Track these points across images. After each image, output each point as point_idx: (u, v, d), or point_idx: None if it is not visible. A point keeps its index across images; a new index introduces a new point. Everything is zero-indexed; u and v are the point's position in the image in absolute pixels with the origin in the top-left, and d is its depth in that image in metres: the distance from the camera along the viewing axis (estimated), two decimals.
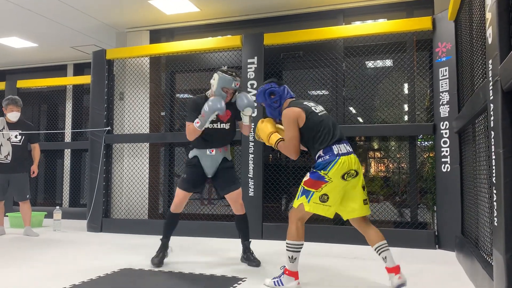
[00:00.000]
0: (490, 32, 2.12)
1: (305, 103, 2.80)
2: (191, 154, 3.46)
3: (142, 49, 5.66)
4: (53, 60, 7.79)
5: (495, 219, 2.09)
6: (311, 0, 5.17)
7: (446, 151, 4.20)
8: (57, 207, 5.54)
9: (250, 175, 4.84)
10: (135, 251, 4.03)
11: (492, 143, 2.13)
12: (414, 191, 4.73)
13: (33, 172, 5.17)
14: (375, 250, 2.63)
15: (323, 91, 5.30)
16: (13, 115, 5.02)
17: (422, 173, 4.89)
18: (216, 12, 5.55)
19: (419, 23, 4.43)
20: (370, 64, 5.27)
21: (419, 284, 2.89)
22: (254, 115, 4.83)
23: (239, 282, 2.89)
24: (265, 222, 4.80)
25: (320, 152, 2.65)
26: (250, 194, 4.78)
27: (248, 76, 4.96)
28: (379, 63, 5.18)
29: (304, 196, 2.62)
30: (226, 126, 3.41)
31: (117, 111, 5.86)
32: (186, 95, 5.97)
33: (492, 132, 2.12)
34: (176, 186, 3.61)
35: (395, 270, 2.55)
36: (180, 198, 3.42)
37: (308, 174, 2.67)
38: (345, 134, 2.83)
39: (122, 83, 5.96)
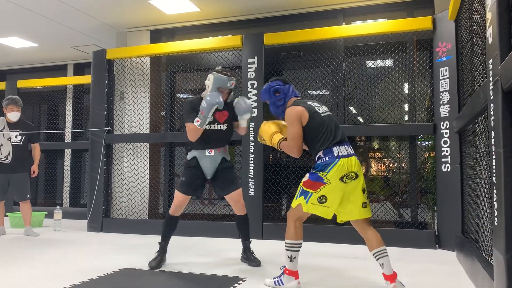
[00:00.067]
0: (490, 32, 2.12)
1: (309, 102, 2.79)
2: (190, 155, 3.44)
3: (143, 49, 5.66)
4: (54, 60, 7.79)
5: (496, 219, 2.09)
6: (311, 0, 5.17)
7: (447, 151, 4.20)
8: (58, 207, 5.55)
9: (251, 175, 4.84)
10: (135, 251, 4.04)
11: (493, 143, 2.13)
12: (414, 191, 4.73)
13: (34, 172, 5.17)
14: (373, 255, 2.61)
15: (323, 91, 5.30)
16: (13, 115, 5.02)
17: (422, 173, 4.89)
18: (217, 12, 5.55)
19: (420, 23, 4.43)
20: (370, 64, 5.27)
21: (419, 284, 2.89)
22: (254, 115, 4.84)
23: (239, 282, 2.89)
24: (265, 222, 4.80)
25: (320, 153, 2.64)
26: (250, 194, 4.78)
27: (249, 76, 4.95)
28: (380, 63, 5.19)
29: (302, 196, 2.63)
30: (223, 127, 3.39)
31: (117, 111, 5.86)
32: (186, 95, 5.97)
33: (493, 132, 2.12)
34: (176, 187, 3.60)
35: (391, 278, 2.52)
36: (180, 201, 3.38)
37: (307, 174, 2.67)
38: (345, 134, 2.83)
39: (122, 83, 5.96)
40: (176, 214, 3.41)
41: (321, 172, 2.58)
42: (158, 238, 3.49)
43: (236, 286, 2.80)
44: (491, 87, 2.16)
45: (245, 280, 2.95)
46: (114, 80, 5.83)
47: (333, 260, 3.65)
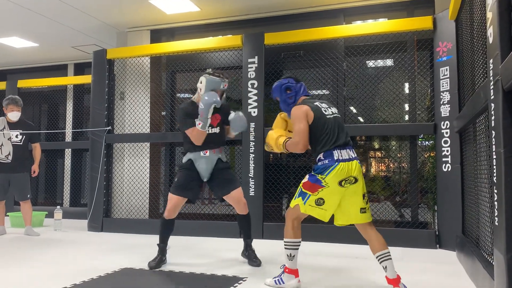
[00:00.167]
0: (491, 31, 2.12)
1: (316, 103, 2.75)
2: (185, 158, 3.42)
3: (143, 49, 5.66)
4: (54, 60, 7.79)
5: (496, 218, 2.09)
6: None
7: (447, 151, 4.20)
8: (58, 206, 5.55)
9: (251, 175, 4.84)
10: (135, 250, 4.04)
11: (493, 143, 2.13)
12: (415, 191, 4.73)
13: (34, 172, 5.18)
14: (376, 257, 2.59)
15: (323, 91, 5.29)
16: (14, 115, 5.02)
17: (422, 173, 4.89)
18: (217, 11, 5.55)
19: (420, 22, 4.43)
20: (370, 63, 5.27)
21: (420, 283, 2.89)
22: (254, 114, 4.84)
23: (239, 282, 2.89)
24: (265, 221, 4.80)
25: (321, 156, 2.64)
26: (251, 194, 4.78)
27: (249, 76, 4.95)
28: (380, 63, 5.18)
29: (300, 197, 2.63)
30: (216, 130, 3.39)
31: (117, 111, 5.86)
32: (186, 95, 5.97)
33: (493, 132, 2.12)
34: None
35: (395, 282, 2.50)
36: (173, 203, 3.35)
37: (307, 176, 2.66)
38: (349, 137, 2.79)
39: (122, 82, 5.96)
40: (171, 217, 3.38)
41: (319, 175, 2.58)
42: (158, 238, 3.49)
43: (236, 286, 2.80)
44: (491, 87, 2.16)
45: (245, 280, 2.95)
46: (115, 80, 5.84)
47: (335, 260, 3.65)
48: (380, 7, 5.17)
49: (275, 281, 2.75)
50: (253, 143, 4.87)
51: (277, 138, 2.86)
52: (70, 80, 7.49)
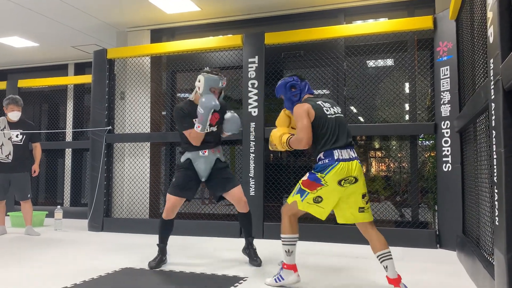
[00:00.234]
0: (491, 31, 2.12)
1: (319, 102, 2.75)
2: (183, 158, 3.40)
3: (143, 49, 5.66)
4: (54, 59, 7.79)
5: (496, 218, 2.09)
6: None
7: (447, 151, 4.20)
8: (58, 206, 5.55)
9: (251, 175, 4.84)
10: (136, 250, 4.04)
11: (494, 142, 2.13)
12: (415, 191, 4.73)
13: (34, 172, 5.18)
14: (377, 257, 2.59)
15: (324, 91, 5.29)
16: (14, 115, 5.03)
17: (423, 173, 4.88)
18: (217, 11, 5.55)
19: (420, 22, 4.43)
20: (371, 63, 5.27)
21: (420, 283, 2.89)
22: (255, 114, 4.84)
23: (240, 282, 2.89)
24: (266, 221, 4.80)
25: (321, 155, 2.64)
26: (251, 194, 4.78)
27: (249, 76, 4.95)
28: (380, 63, 5.18)
29: (298, 194, 2.64)
30: (214, 128, 3.39)
31: (118, 111, 5.86)
32: (187, 95, 5.97)
33: (493, 131, 2.12)
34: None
35: (395, 282, 2.49)
36: (171, 204, 3.33)
37: (307, 174, 2.67)
38: (351, 138, 2.78)
39: (123, 82, 5.96)
40: (169, 218, 3.36)
41: (319, 174, 2.58)
42: (158, 238, 3.49)
43: (236, 286, 2.80)
44: (492, 87, 2.15)
45: (246, 280, 2.95)
46: (115, 80, 5.84)
47: (335, 259, 3.65)
48: (381, 7, 5.17)
49: (275, 279, 2.75)
50: (253, 143, 4.87)
51: (280, 136, 2.87)
52: (71, 80, 7.49)
